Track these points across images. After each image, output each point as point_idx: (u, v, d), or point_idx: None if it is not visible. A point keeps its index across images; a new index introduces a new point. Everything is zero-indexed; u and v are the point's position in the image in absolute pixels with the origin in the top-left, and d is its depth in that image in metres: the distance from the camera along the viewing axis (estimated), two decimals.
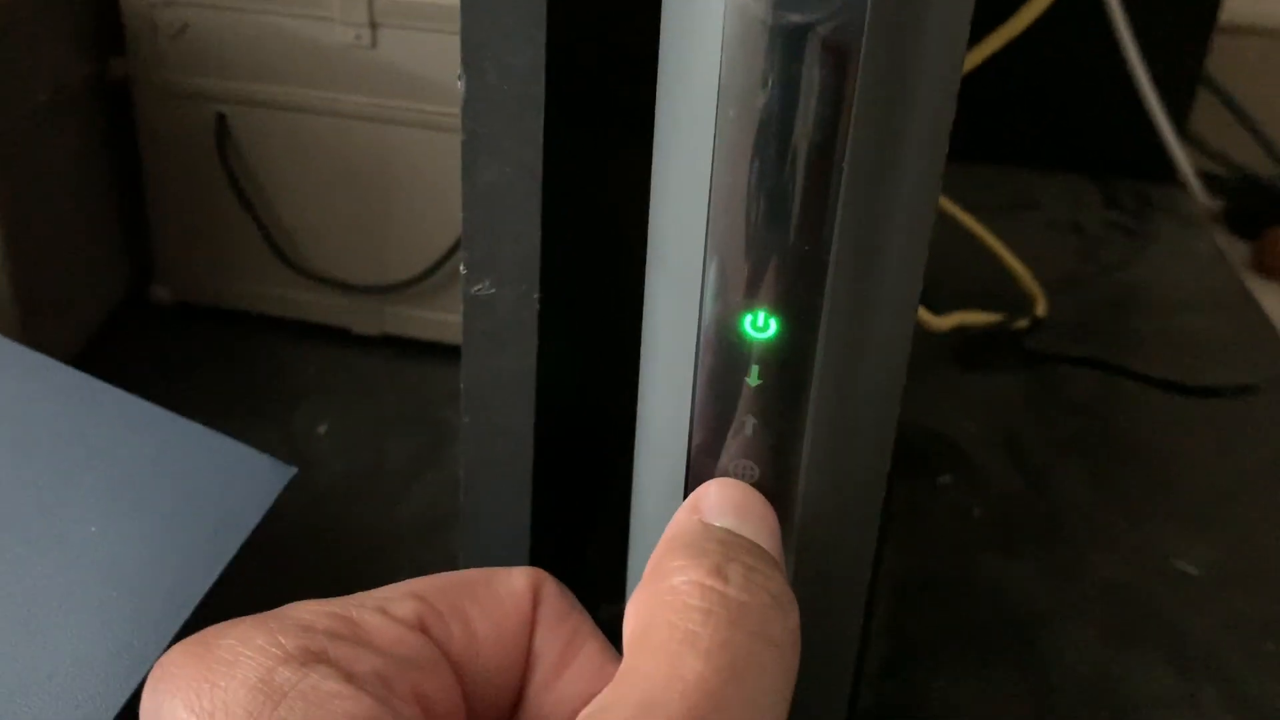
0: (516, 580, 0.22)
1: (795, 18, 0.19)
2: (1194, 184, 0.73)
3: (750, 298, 0.21)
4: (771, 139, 0.20)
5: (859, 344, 0.22)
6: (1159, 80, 0.69)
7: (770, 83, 0.19)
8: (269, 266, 0.49)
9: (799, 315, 0.21)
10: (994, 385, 0.51)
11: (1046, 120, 0.74)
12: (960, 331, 0.52)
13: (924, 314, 0.50)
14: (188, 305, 0.51)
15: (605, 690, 0.18)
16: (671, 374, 0.23)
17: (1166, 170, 0.72)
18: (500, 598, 0.21)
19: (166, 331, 0.50)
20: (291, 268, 0.48)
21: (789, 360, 0.22)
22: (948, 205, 0.57)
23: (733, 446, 0.23)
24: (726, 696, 0.17)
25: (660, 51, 0.21)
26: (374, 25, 0.44)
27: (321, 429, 0.45)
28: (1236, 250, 0.75)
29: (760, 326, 0.21)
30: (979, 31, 0.54)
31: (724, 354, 0.22)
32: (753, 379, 0.22)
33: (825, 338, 0.21)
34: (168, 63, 0.46)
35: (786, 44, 0.19)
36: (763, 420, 0.22)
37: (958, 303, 0.53)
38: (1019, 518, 0.43)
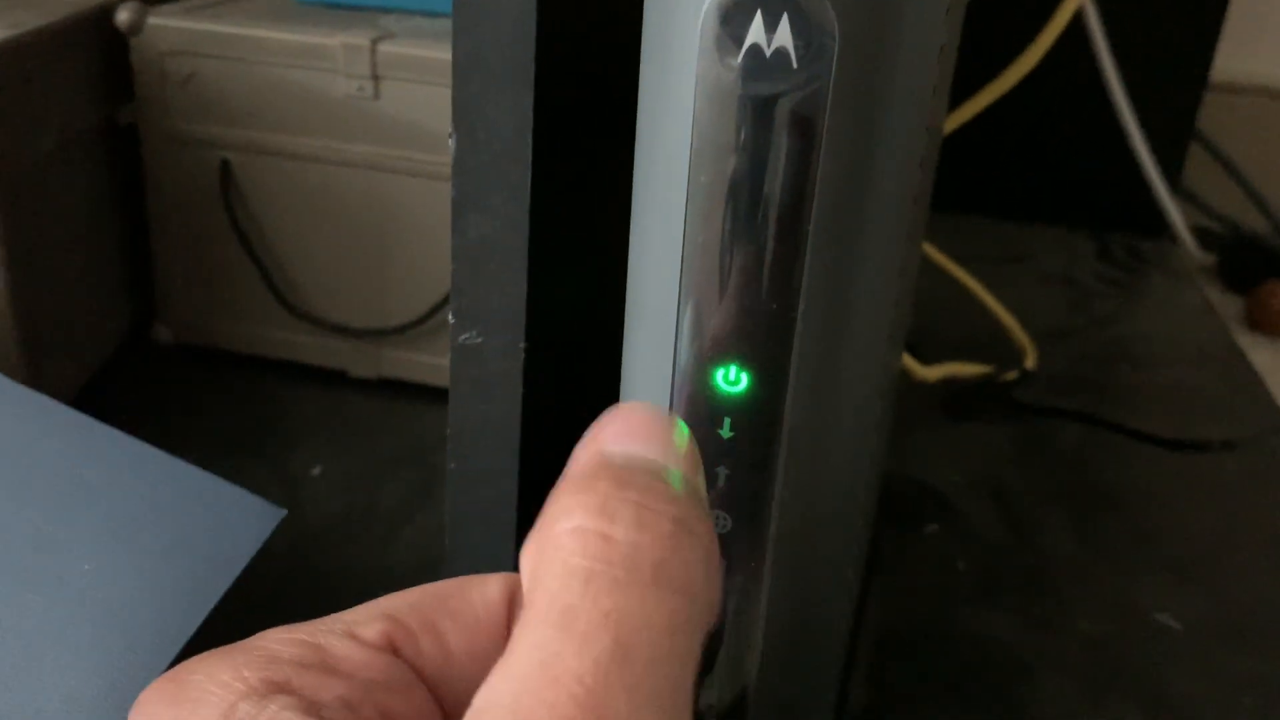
0: (490, 587, 0.21)
1: (762, 89, 0.20)
2: (1186, 238, 0.74)
3: (721, 353, 0.22)
4: (740, 202, 0.20)
5: (829, 398, 0.23)
6: (1151, 136, 0.70)
7: (739, 149, 0.20)
8: (269, 309, 0.49)
9: (769, 370, 0.22)
10: (982, 436, 0.51)
11: (1040, 174, 0.76)
12: (949, 382, 0.52)
13: (913, 365, 0.51)
14: (188, 346, 0.52)
15: (487, 681, 0.16)
16: None
17: (1159, 224, 0.73)
18: (473, 607, 0.21)
19: (167, 371, 0.51)
20: (291, 311, 0.49)
21: (760, 413, 0.22)
22: (940, 258, 0.58)
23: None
24: (605, 697, 0.15)
25: (638, 116, 0.22)
26: (376, 78, 0.45)
27: (316, 470, 0.45)
28: (1228, 304, 0.76)
29: (732, 380, 0.22)
30: (970, 87, 0.55)
31: (697, 406, 0.23)
32: (725, 431, 0.23)
33: (795, 392, 0.22)
34: (175, 110, 0.47)
35: (754, 113, 0.20)
36: (735, 471, 0.23)
37: (949, 354, 0.54)
38: (1003, 569, 0.43)
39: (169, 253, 0.50)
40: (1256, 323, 0.73)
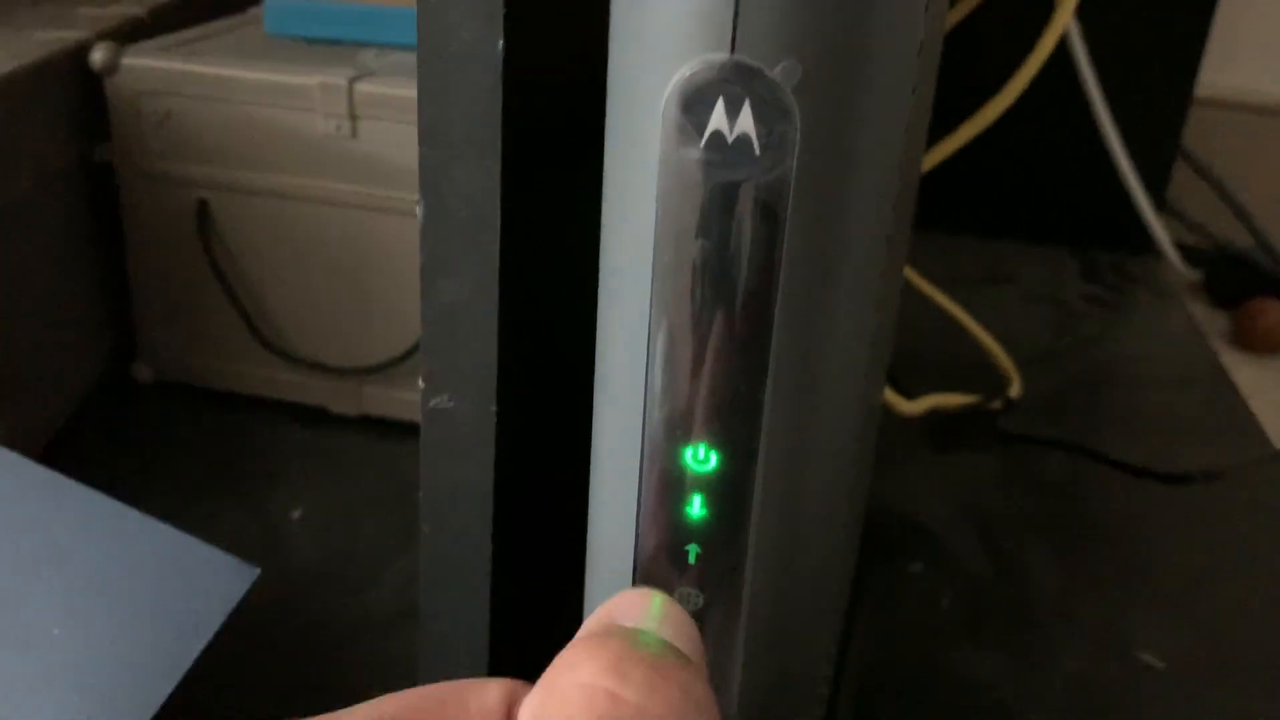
0: (490, 694, 0.21)
1: (725, 175, 0.19)
2: (1172, 256, 0.74)
3: (690, 432, 0.22)
4: (705, 286, 0.20)
5: (799, 476, 0.22)
6: (1136, 152, 0.70)
7: (702, 234, 0.20)
8: (249, 347, 0.49)
9: (738, 448, 0.22)
10: (967, 468, 0.51)
11: (1025, 192, 0.75)
12: (934, 413, 0.52)
13: (897, 399, 0.50)
14: (168, 384, 0.52)
15: None
16: (616, 502, 0.23)
17: (1144, 242, 0.73)
18: (470, 714, 0.20)
19: (146, 410, 0.51)
20: (270, 349, 0.49)
21: (730, 491, 0.22)
22: (924, 284, 0.57)
23: (677, 575, 0.23)
24: None
25: (604, 198, 0.22)
26: (354, 116, 0.45)
27: (296, 514, 0.45)
28: (1215, 321, 0.76)
29: (701, 459, 0.22)
30: (954, 114, 0.55)
31: (666, 484, 0.22)
32: (695, 509, 0.22)
33: (765, 469, 0.22)
34: (151, 149, 0.47)
35: (718, 200, 0.19)
36: (706, 549, 0.23)
37: (933, 381, 0.54)
38: (988, 606, 0.43)
39: (148, 291, 0.50)
40: (1243, 340, 0.73)
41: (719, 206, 0.20)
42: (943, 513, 0.48)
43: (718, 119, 0.19)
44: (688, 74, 0.19)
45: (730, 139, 0.19)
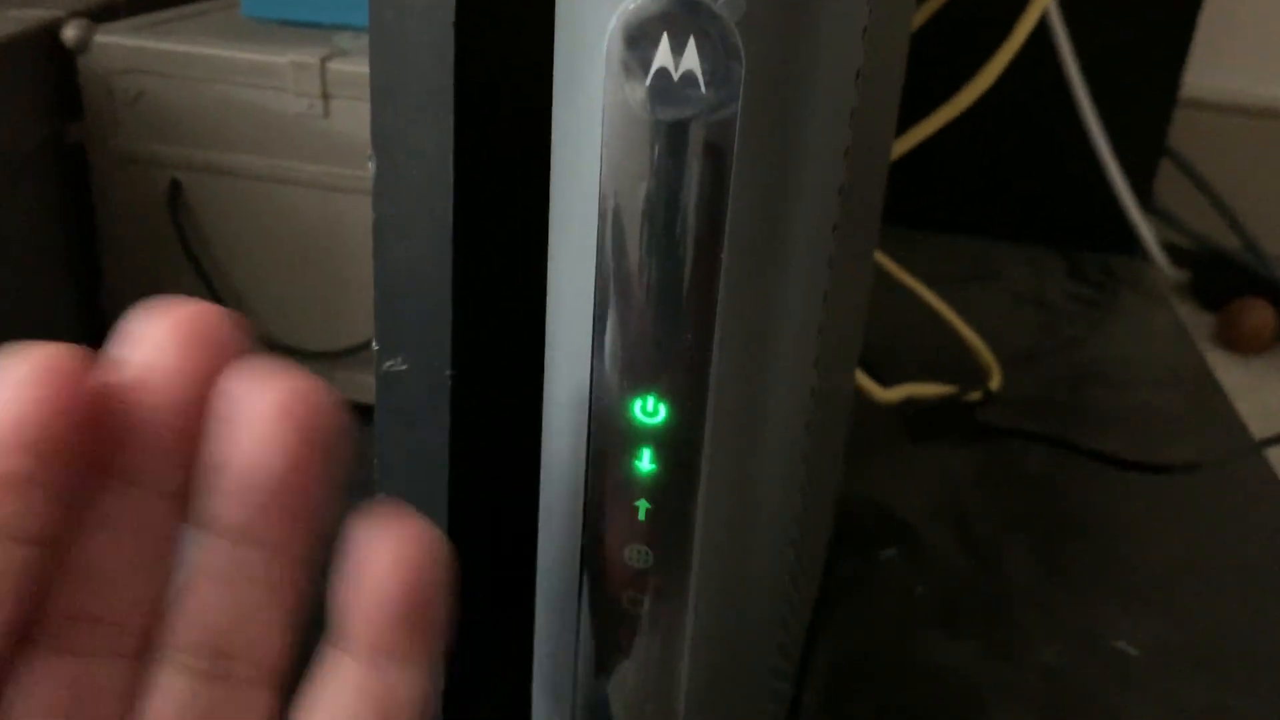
0: None
1: (671, 113, 0.19)
2: (1158, 256, 0.73)
3: (638, 383, 0.21)
4: (652, 228, 0.20)
5: (751, 429, 0.22)
6: (1122, 152, 0.70)
7: (649, 174, 0.19)
8: None
9: (688, 401, 0.21)
10: (944, 459, 0.50)
11: (1010, 191, 0.75)
12: (911, 403, 0.52)
13: (872, 386, 0.50)
14: None
15: None
16: (567, 457, 0.23)
17: (1130, 242, 0.73)
18: None
19: None
20: None
21: (680, 444, 0.22)
22: (905, 276, 0.57)
23: (627, 531, 0.23)
24: None
25: (552, 141, 0.21)
26: (326, 96, 0.44)
27: None
28: (1200, 322, 0.75)
29: (650, 411, 0.21)
30: (930, 104, 0.54)
31: (615, 438, 0.22)
32: (645, 463, 0.22)
33: (715, 423, 0.21)
34: (124, 129, 0.47)
35: (664, 138, 0.19)
36: (656, 504, 0.22)
37: (912, 375, 0.53)
38: (962, 595, 0.42)
39: (119, 272, 0.49)
40: (1228, 341, 0.73)
41: (665, 146, 0.19)
42: (918, 501, 0.47)
43: (662, 55, 0.19)
44: (631, 7, 0.19)
45: (675, 76, 0.19)
